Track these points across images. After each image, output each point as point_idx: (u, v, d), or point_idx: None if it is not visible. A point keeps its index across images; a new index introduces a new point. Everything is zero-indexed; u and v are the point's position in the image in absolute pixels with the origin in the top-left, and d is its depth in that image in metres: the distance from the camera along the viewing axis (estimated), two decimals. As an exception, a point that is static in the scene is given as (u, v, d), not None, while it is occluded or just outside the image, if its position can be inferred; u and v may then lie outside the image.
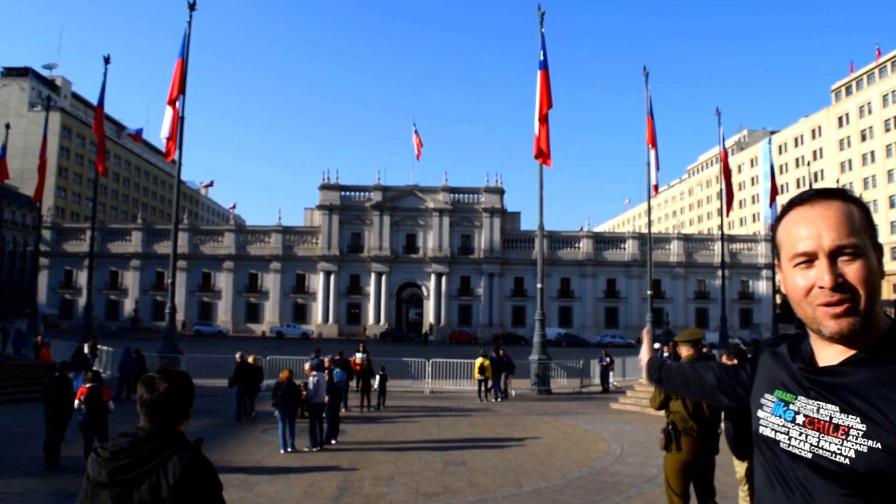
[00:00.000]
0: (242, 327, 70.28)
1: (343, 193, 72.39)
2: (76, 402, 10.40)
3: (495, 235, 71.81)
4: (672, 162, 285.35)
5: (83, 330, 27.12)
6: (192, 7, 24.32)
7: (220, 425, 14.90)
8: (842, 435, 1.37)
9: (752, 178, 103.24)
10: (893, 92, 77.67)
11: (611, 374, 25.82)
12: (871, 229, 1.46)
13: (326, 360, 15.85)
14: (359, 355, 19.91)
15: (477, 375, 21.87)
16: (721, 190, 32.23)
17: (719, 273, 47.77)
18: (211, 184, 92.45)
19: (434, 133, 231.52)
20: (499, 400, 21.54)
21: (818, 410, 1.44)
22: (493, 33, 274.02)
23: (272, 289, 71.54)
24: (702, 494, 6.29)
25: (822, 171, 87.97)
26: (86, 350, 20.31)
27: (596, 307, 72.08)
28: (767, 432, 1.55)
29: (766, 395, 1.60)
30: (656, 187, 27.87)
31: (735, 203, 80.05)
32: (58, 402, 10.55)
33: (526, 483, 9.84)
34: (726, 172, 31.76)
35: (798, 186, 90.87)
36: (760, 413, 1.60)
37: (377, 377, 19.20)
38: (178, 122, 23.28)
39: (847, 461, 1.34)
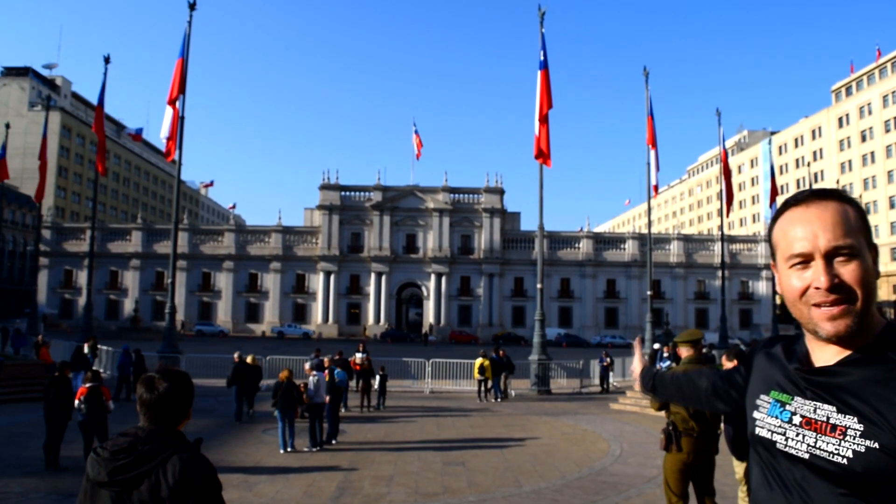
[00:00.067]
0: (242, 327, 70.29)
1: (343, 193, 72.42)
2: (76, 402, 10.40)
3: (495, 235, 71.83)
4: (672, 162, 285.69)
5: (83, 330, 27.12)
6: (192, 7, 24.32)
7: (220, 425, 14.90)
8: (839, 435, 1.37)
9: (752, 179, 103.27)
10: (894, 92, 77.67)
11: (611, 374, 25.84)
12: (866, 230, 1.47)
13: (326, 360, 15.85)
14: (359, 355, 19.91)
15: (477, 375, 21.88)
16: (721, 190, 32.24)
17: (719, 273, 47.80)
18: (211, 184, 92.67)
19: (434, 133, 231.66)
20: (498, 400, 21.55)
21: (815, 411, 1.45)
22: (494, 33, 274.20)
23: (272, 289, 71.57)
24: (701, 494, 6.29)
25: (822, 171, 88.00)
26: (86, 350, 20.30)
27: (596, 307, 72.10)
28: (764, 433, 1.55)
29: (762, 397, 1.60)
30: (656, 188, 27.89)
31: (735, 203, 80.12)
32: (58, 402, 10.54)
33: (525, 483, 9.85)
34: (726, 173, 31.77)
35: (798, 187, 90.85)
36: (756, 414, 1.60)
37: (377, 377, 19.22)
38: (178, 121, 23.28)
39: (845, 461, 1.35)
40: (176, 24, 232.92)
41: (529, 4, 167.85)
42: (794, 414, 1.49)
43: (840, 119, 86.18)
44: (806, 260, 1.45)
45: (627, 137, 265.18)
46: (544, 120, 22.90)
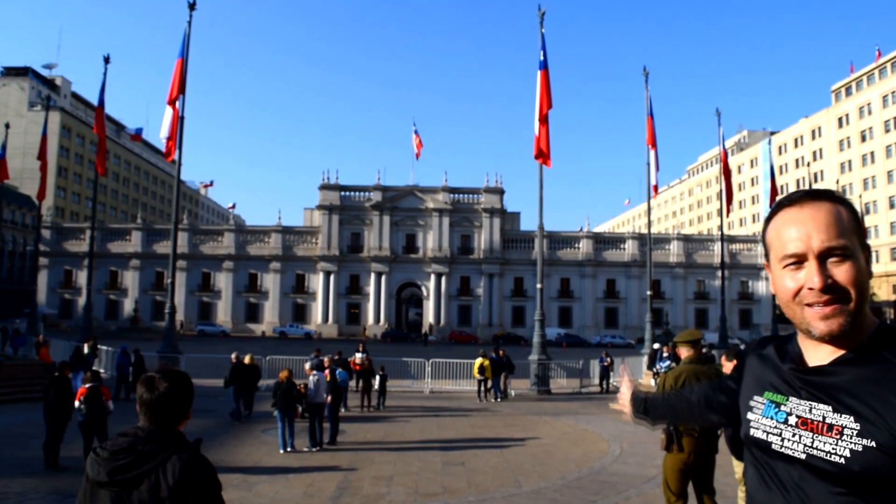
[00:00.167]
0: (242, 327, 70.28)
1: (343, 193, 72.41)
2: (76, 402, 10.40)
3: (495, 235, 71.83)
4: (672, 162, 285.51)
5: (83, 330, 27.14)
6: (192, 7, 24.34)
7: (220, 425, 14.91)
8: (836, 434, 1.38)
9: (752, 179, 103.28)
10: (893, 93, 77.69)
11: (611, 374, 25.84)
12: (859, 230, 1.47)
13: (326, 359, 15.85)
14: (359, 355, 19.92)
15: (476, 375, 21.87)
16: (721, 190, 32.26)
17: (719, 273, 47.82)
18: (211, 184, 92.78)
19: (434, 133, 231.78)
20: (498, 400, 21.54)
21: (811, 410, 1.45)
22: (494, 33, 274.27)
23: (272, 289, 71.57)
24: (701, 493, 6.30)
25: (821, 171, 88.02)
26: (85, 350, 20.32)
27: (596, 307, 72.10)
28: (759, 434, 1.55)
29: (756, 398, 1.60)
30: (656, 188, 27.92)
31: (735, 203, 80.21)
32: (57, 402, 10.54)
33: (525, 483, 9.85)
34: (726, 173, 31.79)
35: (798, 187, 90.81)
36: (750, 415, 1.60)
37: (377, 377, 19.22)
38: (178, 122, 23.30)
39: (842, 461, 1.35)
40: (176, 24, 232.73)
41: (530, 6, 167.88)
42: (789, 414, 1.49)
43: (840, 119, 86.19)
44: (799, 260, 1.46)
45: (627, 137, 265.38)
46: (544, 120, 22.91)
